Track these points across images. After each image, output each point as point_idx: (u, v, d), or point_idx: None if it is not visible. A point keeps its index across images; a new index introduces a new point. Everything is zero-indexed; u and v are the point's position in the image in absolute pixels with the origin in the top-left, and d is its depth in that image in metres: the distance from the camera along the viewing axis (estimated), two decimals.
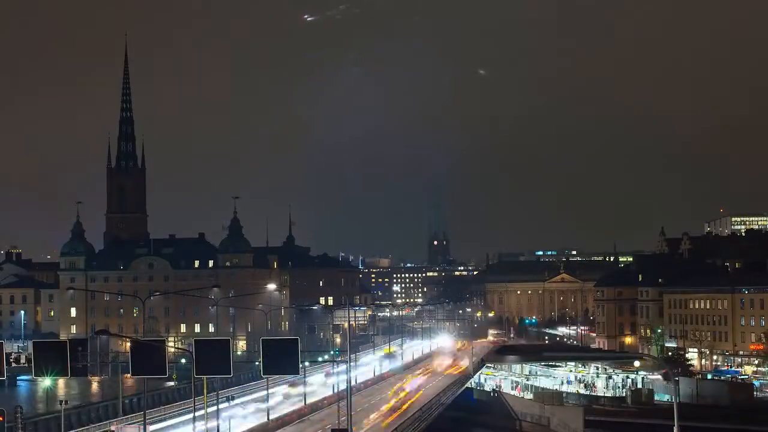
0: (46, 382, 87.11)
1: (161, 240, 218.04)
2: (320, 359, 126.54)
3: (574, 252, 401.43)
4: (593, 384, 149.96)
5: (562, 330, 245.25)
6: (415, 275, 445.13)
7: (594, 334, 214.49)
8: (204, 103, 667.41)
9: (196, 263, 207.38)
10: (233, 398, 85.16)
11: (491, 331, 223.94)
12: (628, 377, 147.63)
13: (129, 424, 73.77)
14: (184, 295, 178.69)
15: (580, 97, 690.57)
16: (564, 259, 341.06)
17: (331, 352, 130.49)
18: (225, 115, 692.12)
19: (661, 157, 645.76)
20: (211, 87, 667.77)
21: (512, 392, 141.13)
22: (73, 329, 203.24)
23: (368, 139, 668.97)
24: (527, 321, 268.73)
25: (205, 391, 66.22)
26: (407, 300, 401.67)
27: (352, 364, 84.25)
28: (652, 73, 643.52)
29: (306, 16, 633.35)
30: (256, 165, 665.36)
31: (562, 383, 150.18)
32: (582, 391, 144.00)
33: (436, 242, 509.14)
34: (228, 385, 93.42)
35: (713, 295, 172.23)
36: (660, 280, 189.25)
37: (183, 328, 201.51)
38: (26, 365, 57.86)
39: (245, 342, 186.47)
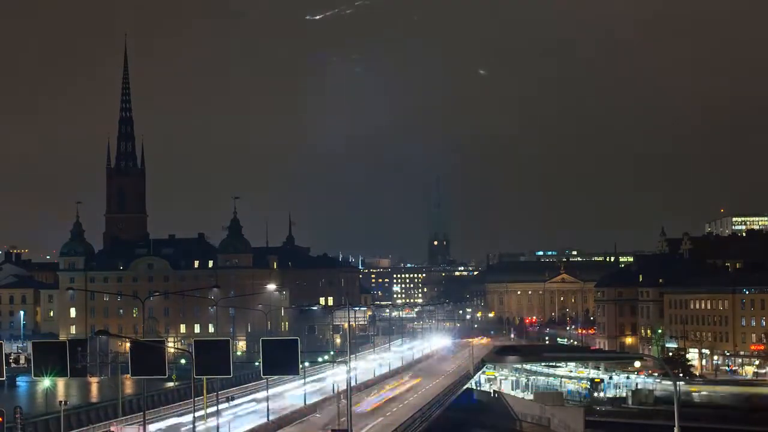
0: (45, 382, 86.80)
1: (161, 240, 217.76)
2: (320, 359, 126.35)
3: (575, 252, 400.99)
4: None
5: (562, 330, 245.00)
6: (415, 275, 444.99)
7: (594, 334, 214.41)
8: (204, 102, 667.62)
9: (196, 263, 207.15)
10: (233, 398, 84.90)
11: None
12: (628, 378, 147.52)
13: (129, 424, 73.57)
14: (184, 295, 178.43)
15: (581, 97, 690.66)
16: (564, 260, 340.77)
17: (331, 353, 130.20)
18: (225, 115, 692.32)
19: (661, 157, 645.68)
20: (211, 87, 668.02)
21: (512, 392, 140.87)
22: (73, 330, 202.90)
23: (368, 138, 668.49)
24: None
25: (204, 391, 66.10)
26: (407, 300, 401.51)
27: None
28: (652, 73, 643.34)
29: (307, 16, 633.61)
30: (256, 165, 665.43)
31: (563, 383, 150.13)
32: (582, 391, 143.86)
33: (436, 242, 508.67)
34: (228, 385, 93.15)
35: (714, 295, 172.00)
36: (660, 280, 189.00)
37: (183, 328, 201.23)
38: (26, 366, 57.72)
39: (245, 342, 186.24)
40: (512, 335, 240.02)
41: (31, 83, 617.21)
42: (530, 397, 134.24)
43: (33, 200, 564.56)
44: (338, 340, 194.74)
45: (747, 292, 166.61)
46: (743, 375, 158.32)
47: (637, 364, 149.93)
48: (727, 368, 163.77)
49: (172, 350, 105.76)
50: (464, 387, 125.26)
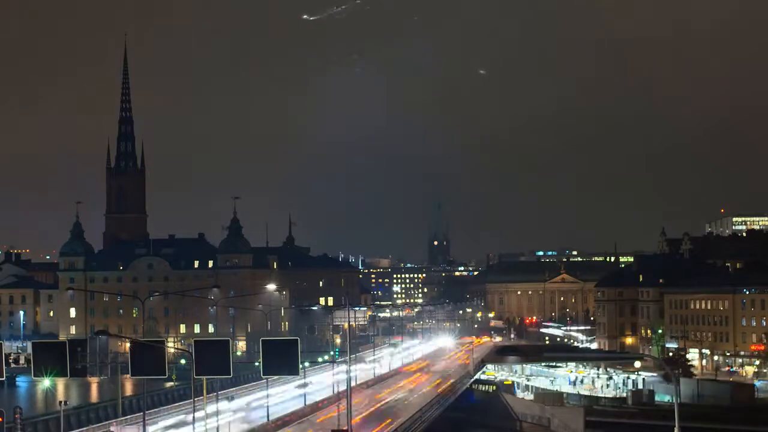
0: (45, 382, 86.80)
1: (161, 240, 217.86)
2: (320, 360, 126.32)
3: (575, 252, 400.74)
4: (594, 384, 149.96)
5: (562, 330, 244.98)
6: (415, 275, 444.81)
7: (594, 335, 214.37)
8: (204, 102, 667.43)
9: (196, 263, 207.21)
10: (233, 398, 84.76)
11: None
12: (628, 378, 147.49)
13: (129, 424, 73.49)
14: (184, 295, 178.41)
15: (580, 97, 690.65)
16: (564, 260, 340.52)
17: (331, 353, 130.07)
18: (225, 115, 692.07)
19: (662, 157, 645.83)
20: (211, 87, 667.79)
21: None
22: (73, 330, 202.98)
23: (368, 139, 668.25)
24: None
25: (204, 391, 66.02)
26: (407, 300, 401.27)
27: None
28: (651, 73, 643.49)
29: (306, 16, 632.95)
30: (255, 165, 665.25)
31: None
32: (583, 391, 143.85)
33: (436, 242, 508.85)
34: (228, 385, 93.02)
35: (714, 295, 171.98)
36: (661, 280, 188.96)
37: (182, 328, 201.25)
38: (25, 366, 57.58)
39: (245, 342, 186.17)
40: (512, 335, 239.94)
41: (31, 83, 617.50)
42: (530, 397, 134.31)
43: (33, 200, 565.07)
44: (338, 340, 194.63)
45: (747, 292, 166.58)
46: (743, 375, 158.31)
47: (638, 364, 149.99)
48: (730, 368, 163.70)
49: (172, 350, 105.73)
50: (465, 387, 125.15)
